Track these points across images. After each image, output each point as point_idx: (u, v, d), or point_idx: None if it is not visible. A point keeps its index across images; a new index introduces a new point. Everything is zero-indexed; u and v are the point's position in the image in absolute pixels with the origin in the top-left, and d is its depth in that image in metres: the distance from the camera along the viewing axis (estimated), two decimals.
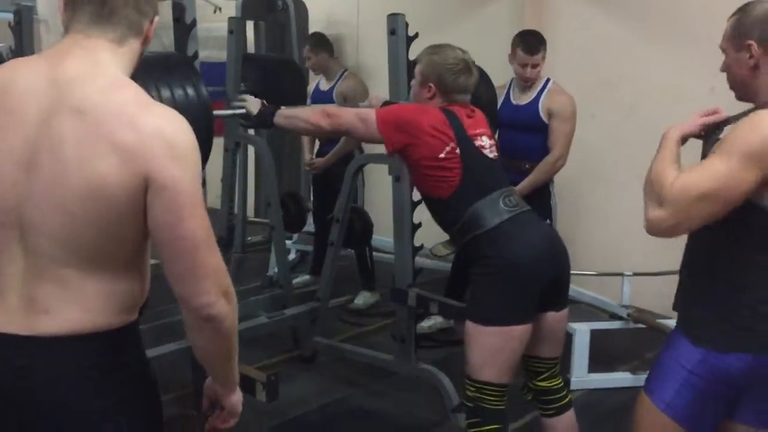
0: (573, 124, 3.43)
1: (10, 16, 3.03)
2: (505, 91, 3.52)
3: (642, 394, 1.85)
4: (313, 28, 5.32)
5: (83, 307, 1.26)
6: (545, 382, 2.30)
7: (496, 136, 3.46)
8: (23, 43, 2.95)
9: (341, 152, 4.09)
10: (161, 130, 1.22)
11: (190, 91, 2.00)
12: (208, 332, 1.29)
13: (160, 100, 1.92)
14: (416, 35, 2.97)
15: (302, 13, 5.44)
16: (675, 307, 1.85)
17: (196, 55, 2.26)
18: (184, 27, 2.25)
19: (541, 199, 3.41)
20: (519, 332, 2.08)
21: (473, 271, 2.17)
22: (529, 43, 3.39)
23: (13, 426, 1.29)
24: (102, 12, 1.27)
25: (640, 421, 1.82)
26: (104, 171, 1.19)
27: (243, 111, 2.45)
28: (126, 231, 1.25)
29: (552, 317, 2.20)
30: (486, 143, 2.24)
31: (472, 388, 2.13)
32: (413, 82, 2.36)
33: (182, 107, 1.96)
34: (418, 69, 2.30)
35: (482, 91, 3.02)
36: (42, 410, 1.27)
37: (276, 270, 4.47)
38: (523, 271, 2.07)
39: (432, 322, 3.86)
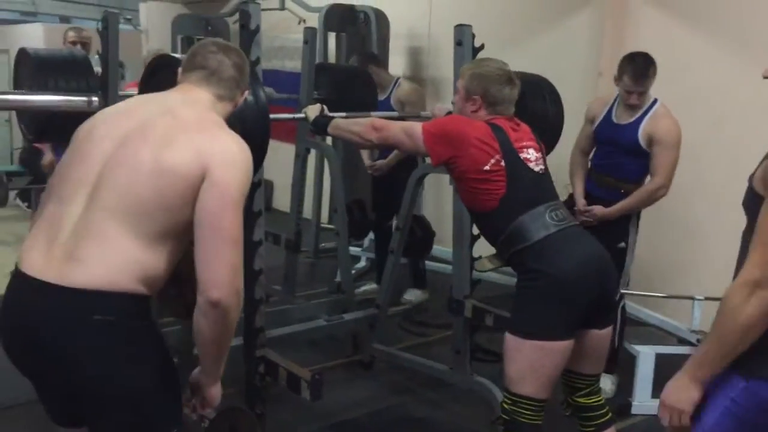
0: (677, 152, 3.18)
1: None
2: (608, 107, 3.30)
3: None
4: (393, 40, 5.40)
5: (112, 266, 1.46)
6: (585, 398, 2.24)
7: (594, 150, 3.38)
8: (109, 49, 3.12)
9: (401, 155, 4.10)
10: (228, 143, 1.57)
11: (249, 95, 2.07)
12: (212, 318, 1.46)
13: None
14: (482, 46, 2.96)
15: (383, 25, 5.52)
16: None
17: (258, 61, 2.33)
18: (248, 33, 2.33)
19: (619, 221, 3.24)
20: (560, 348, 2.04)
21: (517, 282, 2.15)
22: (637, 71, 3.12)
23: (35, 365, 1.53)
24: (210, 78, 1.72)
25: None
26: (178, 155, 1.49)
27: (302, 116, 2.51)
28: (174, 208, 1.48)
29: (595, 335, 2.15)
30: (532, 156, 2.21)
31: (509, 401, 2.10)
32: (455, 98, 2.37)
33: (240, 109, 2.04)
34: (460, 84, 2.31)
35: (548, 105, 2.99)
36: (59, 354, 1.46)
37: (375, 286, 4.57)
38: (568, 287, 2.03)
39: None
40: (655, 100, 3.26)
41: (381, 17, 5.50)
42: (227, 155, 1.54)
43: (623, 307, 3.30)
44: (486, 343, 3.77)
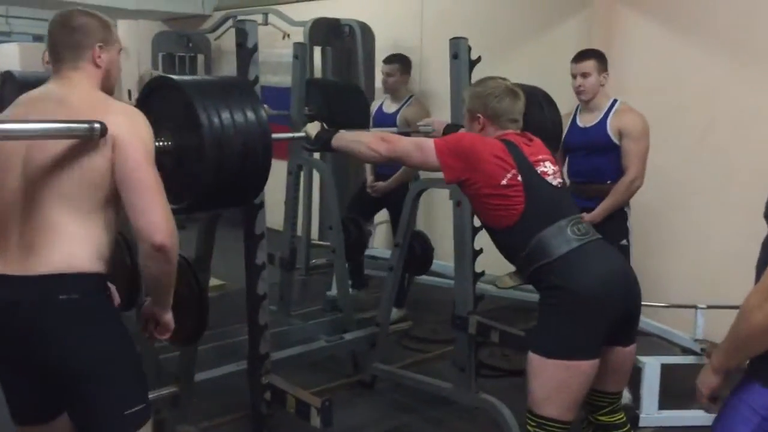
0: (646, 142, 3.28)
1: None
2: (572, 117, 3.43)
3: None
4: (379, 54, 5.36)
5: (65, 250, 1.61)
6: (606, 416, 2.19)
7: (566, 161, 3.40)
8: None
9: (403, 178, 4.08)
10: (119, 115, 1.67)
11: (250, 114, 2.01)
12: (159, 259, 1.63)
13: (220, 122, 1.94)
14: (479, 59, 2.94)
15: (369, 38, 5.49)
16: None
17: (256, 80, 2.28)
18: (246, 51, 2.27)
19: (617, 220, 3.28)
20: (586, 367, 1.97)
21: (540, 300, 2.08)
22: (579, 53, 3.37)
23: (8, 352, 1.66)
24: (62, 54, 1.75)
25: None
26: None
27: (303, 135, 2.45)
28: (97, 182, 1.63)
29: (620, 352, 2.10)
30: (549, 170, 2.17)
31: (533, 423, 2.03)
32: (464, 126, 2.40)
33: (241, 129, 1.98)
34: (465, 108, 2.32)
35: (547, 114, 2.96)
36: (31, 336, 1.60)
37: (336, 292, 4.51)
38: (593, 304, 1.97)
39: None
40: (615, 100, 3.38)
41: (366, 31, 5.47)
42: (123, 127, 1.65)
43: None
44: (487, 358, 3.73)
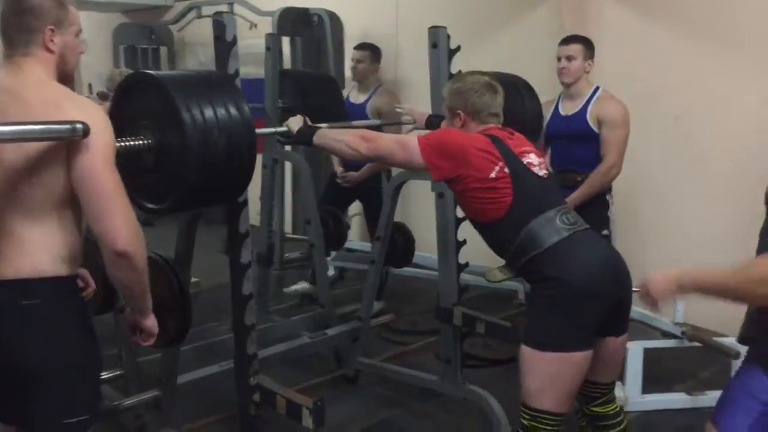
0: (625, 130, 3.28)
1: None
2: (554, 104, 3.42)
3: (709, 425, 1.75)
4: (348, 44, 5.29)
5: (27, 255, 1.59)
6: (600, 407, 2.19)
7: (549, 151, 3.39)
8: None
9: (374, 168, 4.04)
10: (75, 112, 1.54)
11: (233, 109, 1.94)
12: (122, 266, 1.58)
13: (203, 118, 1.87)
14: (458, 48, 2.90)
15: (337, 28, 5.43)
16: (742, 339, 1.75)
17: (237, 73, 2.21)
18: (224, 44, 2.19)
19: (597, 208, 3.28)
20: (579, 358, 1.96)
21: (531, 291, 2.07)
22: (565, 36, 3.38)
23: None
24: (12, 42, 1.64)
25: None
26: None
27: (284, 129, 2.39)
28: (51, 184, 1.57)
29: (612, 342, 2.09)
30: (534, 161, 2.15)
31: (528, 416, 2.02)
32: (443, 123, 2.39)
33: (225, 126, 1.92)
34: (444, 105, 2.31)
35: (527, 104, 2.95)
36: None
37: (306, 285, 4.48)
38: (585, 294, 1.95)
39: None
40: (597, 87, 3.38)
41: (335, 20, 5.40)
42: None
43: None
44: (469, 348, 3.72)
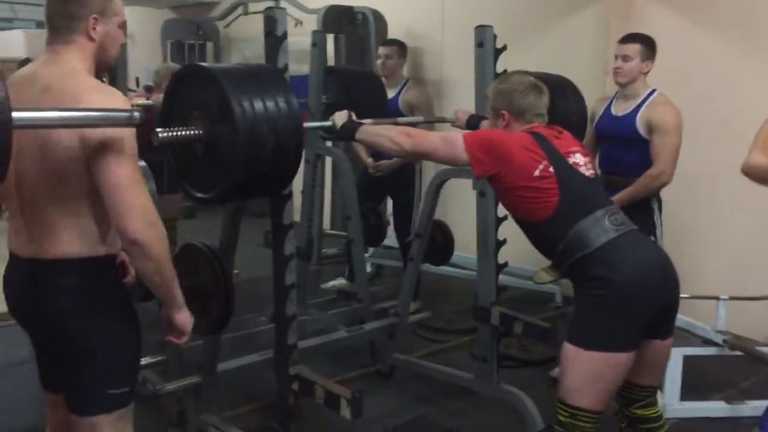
0: (677, 137, 3.16)
1: None
2: (608, 102, 3.33)
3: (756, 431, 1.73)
4: None
5: (58, 239, 1.69)
6: (641, 410, 2.17)
7: (598, 150, 3.34)
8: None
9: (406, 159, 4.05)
10: (94, 102, 1.59)
11: (282, 102, 1.98)
12: (138, 255, 1.63)
13: (252, 110, 1.92)
14: (504, 47, 2.91)
15: (381, 26, 5.46)
16: None
17: (286, 68, 2.24)
18: (275, 39, 2.23)
19: (643, 215, 3.15)
20: (623, 359, 1.96)
21: (578, 291, 2.06)
22: (626, 35, 3.27)
23: (26, 323, 1.83)
24: (53, 30, 1.71)
25: None
26: (56, 134, 1.61)
27: (330, 124, 2.42)
28: (79, 173, 1.63)
29: (657, 345, 2.07)
30: (581, 161, 2.14)
31: (566, 413, 2.02)
32: (487, 123, 2.40)
33: (273, 118, 1.96)
34: (489, 105, 2.31)
35: (572, 105, 2.94)
36: (38, 312, 1.74)
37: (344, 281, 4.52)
38: (634, 296, 1.94)
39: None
40: (654, 90, 3.26)
41: (379, 18, 5.43)
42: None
43: None
44: (504, 349, 3.72)
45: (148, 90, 5.51)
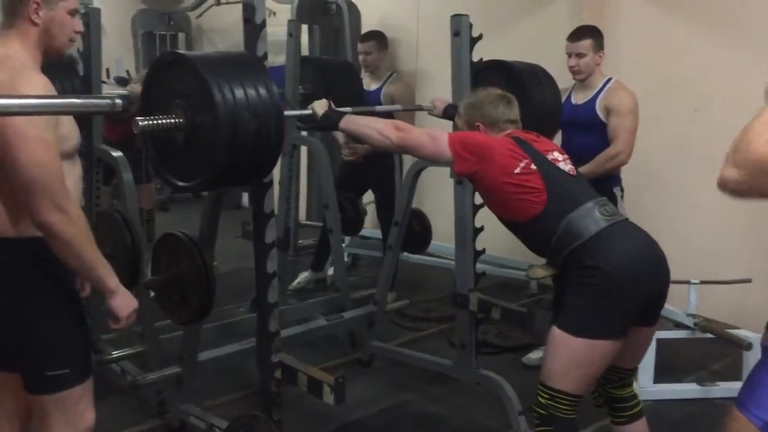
0: (633, 119, 3.28)
1: None
2: (567, 93, 3.45)
3: (735, 410, 1.77)
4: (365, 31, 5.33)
5: None
6: (618, 390, 2.22)
7: (559, 136, 3.42)
8: (92, 46, 2.99)
9: None
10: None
11: (262, 91, 1.99)
12: (48, 238, 1.63)
13: (233, 98, 1.91)
14: (480, 37, 2.93)
15: (355, 16, 5.46)
16: None
17: (265, 56, 2.24)
18: (253, 27, 2.23)
19: (602, 187, 3.28)
20: (611, 347, 1.98)
21: (571, 280, 2.06)
22: (574, 31, 3.37)
23: None
24: None
25: None
26: None
27: (309, 112, 2.43)
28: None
29: (643, 331, 2.11)
30: (559, 158, 2.20)
31: (546, 396, 2.04)
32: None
33: (254, 106, 1.96)
34: (460, 122, 2.39)
35: (547, 92, 2.98)
36: None
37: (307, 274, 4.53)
38: (626, 285, 1.97)
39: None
40: (610, 78, 3.39)
41: (352, 8, 5.42)
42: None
43: None
44: (480, 335, 3.76)
45: (121, 82, 5.46)
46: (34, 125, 1.58)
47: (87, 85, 2.96)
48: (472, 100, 2.37)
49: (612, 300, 1.97)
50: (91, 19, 2.94)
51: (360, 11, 5.50)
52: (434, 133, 2.20)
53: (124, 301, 1.80)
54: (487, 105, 2.32)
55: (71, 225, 1.63)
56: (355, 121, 2.31)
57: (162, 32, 6.93)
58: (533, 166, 2.10)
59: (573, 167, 2.23)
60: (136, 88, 3.62)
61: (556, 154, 2.21)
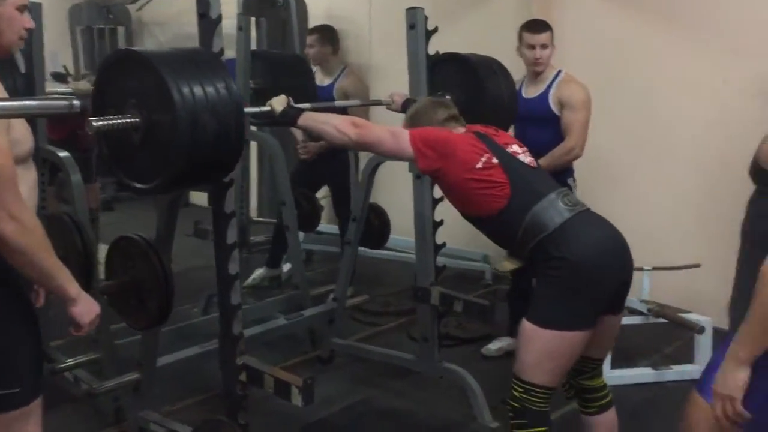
0: (586, 113, 3.32)
1: None
2: (518, 87, 3.44)
3: (694, 392, 1.82)
4: (312, 24, 5.26)
5: None
6: (588, 381, 2.25)
7: (510, 131, 3.43)
8: (33, 44, 2.86)
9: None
10: None
11: (222, 88, 1.92)
12: (3, 249, 1.54)
13: (192, 96, 1.85)
14: (436, 29, 2.92)
15: (302, 9, 5.39)
16: (731, 310, 1.82)
17: (222, 52, 2.18)
18: (209, 22, 2.16)
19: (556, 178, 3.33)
20: (581, 337, 2.01)
21: (539, 272, 2.08)
22: (534, 23, 3.37)
23: None
24: None
25: (693, 418, 1.80)
26: None
27: (267, 109, 2.38)
28: None
29: (610, 320, 2.13)
30: (519, 150, 2.22)
31: (520, 389, 2.06)
32: None
33: (214, 104, 1.90)
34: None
35: (503, 85, 2.98)
36: None
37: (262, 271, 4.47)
38: (593, 275, 1.99)
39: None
40: (560, 71, 3.42)
41: (299, 1, 5.35)
42: None
43: None
44: (442, 328, 3.77)
45: (58, 78, 5.26)
46: None
47: (30, 83, 2.83)
48: (411, 112, 2.40)
49: (579, 290, 1.98)
50: (32, 14, 2.80)
51: (306, 3, 5.43)
52: (395, 130, 2.19)
53: (86, 307, 1.72)
54: (428, 110, 2.35)
55: (27, 234, 1.54)
56: (313, 118, 2.27)
57: (101, 26, 6.70)
58: (495, 160, 2.11)
59: (533, 159, 2.25)
60: (79, 85, 3.50)
61: (516, 147, 2.23)
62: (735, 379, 1.57)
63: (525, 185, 2.11)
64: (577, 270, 1.98)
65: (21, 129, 1.65)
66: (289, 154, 4.76)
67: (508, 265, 2.16)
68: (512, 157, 2.17)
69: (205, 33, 2.18)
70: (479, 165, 2.09)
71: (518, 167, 2.15)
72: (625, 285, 2.11)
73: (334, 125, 2.20)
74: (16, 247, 1.54)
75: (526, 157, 2.21)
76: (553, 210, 2.05)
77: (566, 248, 2.00)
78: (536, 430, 2.06)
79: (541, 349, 2.02)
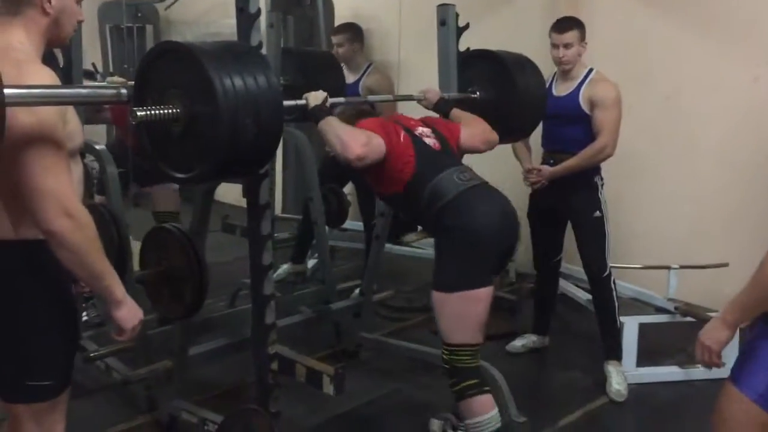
0: (617, 111, 3.31)
1: None
2: (548, 84, 3.44)
3: (728, 384, 1.82)
4: (339, 22, 5.30)
5: None
6: None
7: (542, 129, 3.44)
8: (72, 38, 2.91)
9: None
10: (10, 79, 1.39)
11: (262, 80, 1.96)
12: (55, 246, 1.52)
13: (233, 88, 1.89)
14: (467, 26, 2.94)
15: (329, 7, 5.43)
16: None
17: (260, 46, 2.22)
18: (247, 16, 2.20)
19: (587, 191, 3.33)
20: (482, 294, 2.23)
21: (436, 241, 2.34)
22: (559, 23, 3.38)
23: None
24: None
25: (727, 411, 1.80)
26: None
27: (303, 102, 2.41)
28: (9, 161, 1.48)
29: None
30: (426, 132, 2.45)
31: (447, 352, 2.28)
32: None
33: (254, 96, 1.94)
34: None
35: (532, 82, 2.99)
36: None
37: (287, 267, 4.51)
38: (483, 239, 2.22)
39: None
40: (591, 69, 3.40)
41: (326, 0, 5.39)
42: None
43: (614, 284, 3.32)
44: None
45: (87, 75, 5.33)
46: (43, 123, 1.48)
47: (67, 77, 2.89)
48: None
49: (472, 254, 2.22)
50: None
51: (333, 2, 5.47)
52: (365, 134, 2.34)
53: (130, 312, 1.70)
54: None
55: (80, 232, 1.52)
56: (331, 125, 2.32)
57: (129, 25, 6.78)
58: (407, 136, 2.37)
59: (437, 143, 2.45)
60: (114, 79, 3.56)
61: (423, 129, 2.47)
62: (719, 335, 1.79)
63: (427, 162, 2.34)
64: (468, 236, 2.23)
65: (74, 122, 1.67)
66: (315, 148, 4.83)
67: (413, 237, 2.42)
68: (419, 138, 2.40)
69: (243, 27, 2.21)
70: (401, 140, 2.35)
71: (424, 147, 2.39)
72: (511, 248, 2.36)
73: (343, 139, 2.27)
74: (68, 245, 1.52)
75: (430, 140, 2.44)
76: (450, 183, 2.29)
77: (458, 218, 2.24)
78: (468, 383, 2.28)
79: (451, 312, 2.24)
